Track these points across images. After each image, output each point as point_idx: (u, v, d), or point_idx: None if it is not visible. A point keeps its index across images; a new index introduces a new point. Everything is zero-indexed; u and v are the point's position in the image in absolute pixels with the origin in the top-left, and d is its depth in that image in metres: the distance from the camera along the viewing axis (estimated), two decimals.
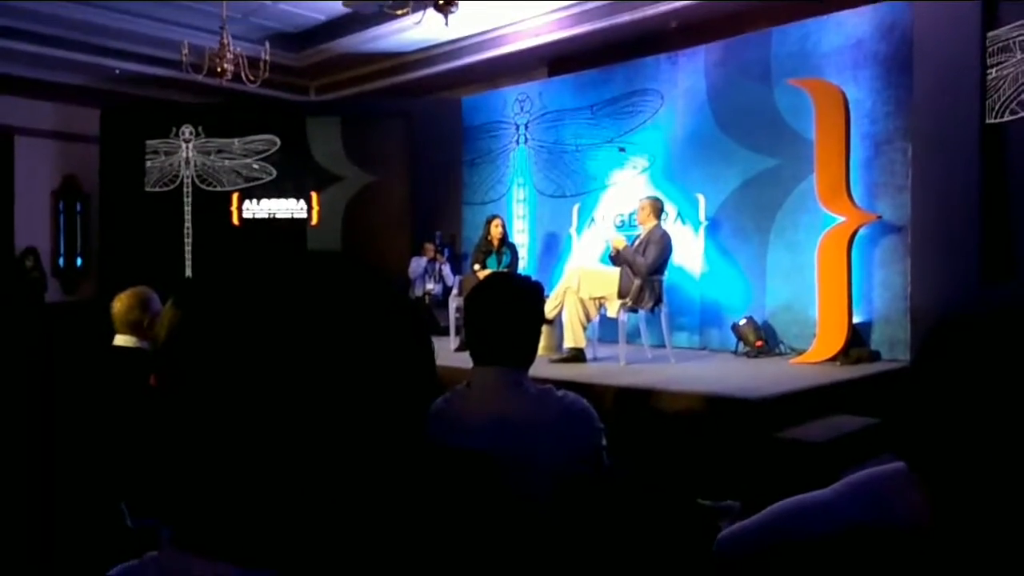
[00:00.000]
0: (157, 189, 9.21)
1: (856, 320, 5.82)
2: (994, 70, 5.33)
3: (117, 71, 8.89)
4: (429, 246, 7.85)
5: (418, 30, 7.55)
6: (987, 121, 5.35)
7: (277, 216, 9.09)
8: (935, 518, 0.97)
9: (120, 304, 2.98)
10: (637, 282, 5.61)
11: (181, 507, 0.59)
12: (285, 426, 0.56)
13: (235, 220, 9.10)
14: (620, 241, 5.86)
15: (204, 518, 0.58)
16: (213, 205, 9.13)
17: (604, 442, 1.84)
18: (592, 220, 7.67)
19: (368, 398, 0.58)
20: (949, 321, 1.03)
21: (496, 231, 6.95)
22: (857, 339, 5.82)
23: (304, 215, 9.07)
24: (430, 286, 7.82)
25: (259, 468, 0.56)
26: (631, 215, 7.00)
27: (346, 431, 0.57)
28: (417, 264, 7.91)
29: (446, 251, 7.95)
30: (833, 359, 5.63)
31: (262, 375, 0.56)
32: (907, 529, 1.00)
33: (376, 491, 0.60)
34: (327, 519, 0.58)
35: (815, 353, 5.74)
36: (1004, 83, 5.28)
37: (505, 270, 6.77)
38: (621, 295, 5.64)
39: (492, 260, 6.91)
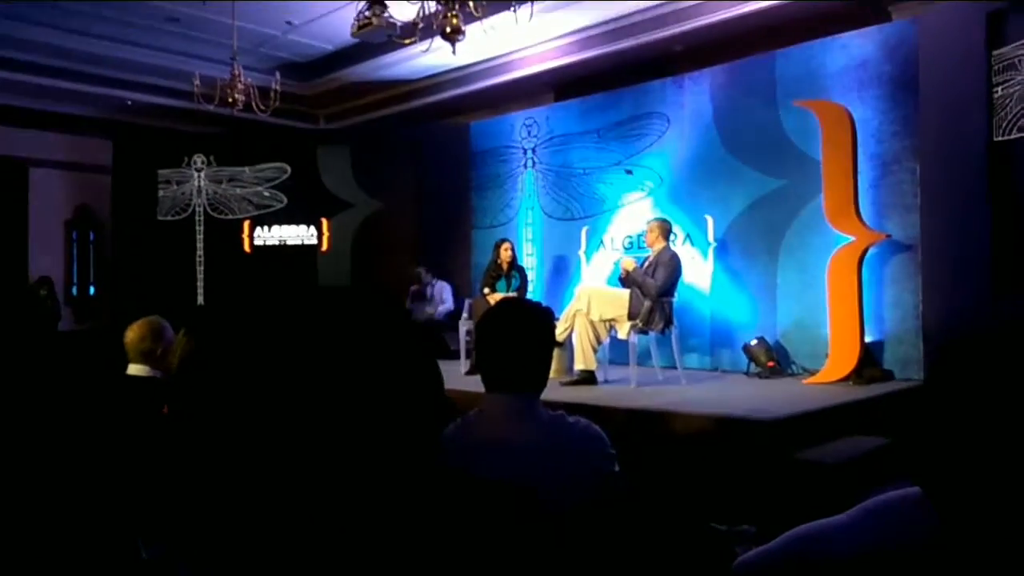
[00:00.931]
0: (169, 218, 9.30)
1: (868, 339, 5.79)
2: (1000, 88, 5.34)
3: (129, 102, 9.01)
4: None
5: (426, 58, 7.64)
6: (995, 139, 5.35)
7: (288, 243, 9.16)
8: (949, 542, 0.97)
9: (132, 334, 3.01)
10: (647, 304, 5.61)
11: (194, 536, 0.60)
12: (295, 453, 0.57)
13: (246, 247, 9.17)
14: (630, 263, 5.87)
15: (216, 546, 0.59)
16: (225, 233, 9.20)
17: (616, 468, 1.83)
18: (601, 243, 7.69)
19: (376, 425, 0.59)
20: (961, 344, 1.03)
21: (505, 255, 6.97)
22: (869, 358, 5.79)
23: (315, 241, 9.13)
24: (429, 310, 7.95)
25: (270, 493, 0.57)
26: (640, 237, 7.02)
27: (356, 458, 0.58)
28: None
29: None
30: (846, 379, 5.60)
31: (271, 404, 0.57)
32: (922, 554, 0.99)
33: (387, 515, 0.61)
34: (339, 544, 0.59)
35: (827, 373, 5.71)
36: (1011, 101, 5.29)
37: (514, 294, 6.79)
38: (631, 317, 5.64)
39: (502, 284, 6.93)
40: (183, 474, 0.62)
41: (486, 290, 6.90)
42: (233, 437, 0.59)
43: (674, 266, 5.80)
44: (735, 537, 1.63)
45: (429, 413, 0.66)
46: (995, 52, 5.37)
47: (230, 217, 9.26)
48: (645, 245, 6.29)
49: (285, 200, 9.22)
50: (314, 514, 0.59)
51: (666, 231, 6.05)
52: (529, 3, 6.08)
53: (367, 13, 5.87)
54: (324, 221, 9.13)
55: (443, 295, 8.04)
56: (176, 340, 3.08)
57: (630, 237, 7.43)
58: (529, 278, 7.44)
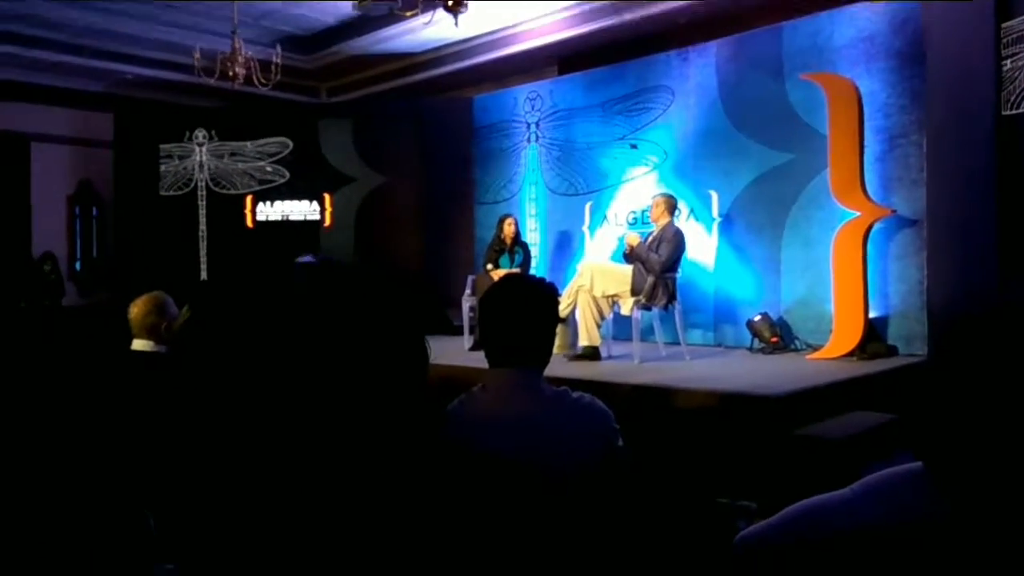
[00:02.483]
0: (172, 193, 9.28)
1: (872, 315, 5.79)
2: (1009, 61, 5.28)
3: (130, 76, 8.96)
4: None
5: (428, 31, 7.57)
6: (1003, 112, 5.30)
7: (291, 218, 9.14)
8: (952, 518, 0.97)
9: (137, 309, 3.02)
10: (651, 279, 5.60)
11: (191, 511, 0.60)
12: (286, 429, 0.56)
13: (249, 222, 9.16)
14: (634, 238, 5.86)
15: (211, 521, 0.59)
16: (227, 208, 9.19)
17: (620, 443, 1.84)
18: (605, 218, 7.66)
19: (362, 401, 0.59)
20: (967, 318, 1.02)
21: (509, 230, 6.95)
22: (873, 334, 5.78)
23: (317, 216, 9.11)
24: None
25: (263, 465, 0.57)
26: (644, 212, 6.99)
27: (346, 432, 0.58)
28: None
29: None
30: (850, 354, 5.60)
31: (261, 377, 0.57)
32: (924, 529, 0.99)
33: (377, 492, 0.61)
34: (334, 517, 0.59)
35: (831, 349, 5.71)
36: (1020, 74, 5.23)
37: (518, 269, 6.78)
38: (635, 292, 5.63)
39: (505, 259, 6.92)
40: (179, 446, 0.62)
41: (489, 266, 6.90)
42: (225, 407, 0.59)
43: (678, 242, 5.78)
44: (737, 512, 1.64)
45: (413, 392, 0.65)
46: (1004, 25, 5.30)
47: (232, 192, 9.24)
48: (649, 220, 6.27)
49: (287, 175, 9.19)
50: (305, 487, 0.59)
51: (671, 206, 6.02)
52: None
53: None
54: (327, 196, 9.10)
55: None
56: (180, 315, 3.09)
57: (634, 212, 7.40)
58: (532, 254, 7.43)
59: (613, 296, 5.74)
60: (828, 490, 1.19)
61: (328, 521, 0.60)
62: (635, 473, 1.82)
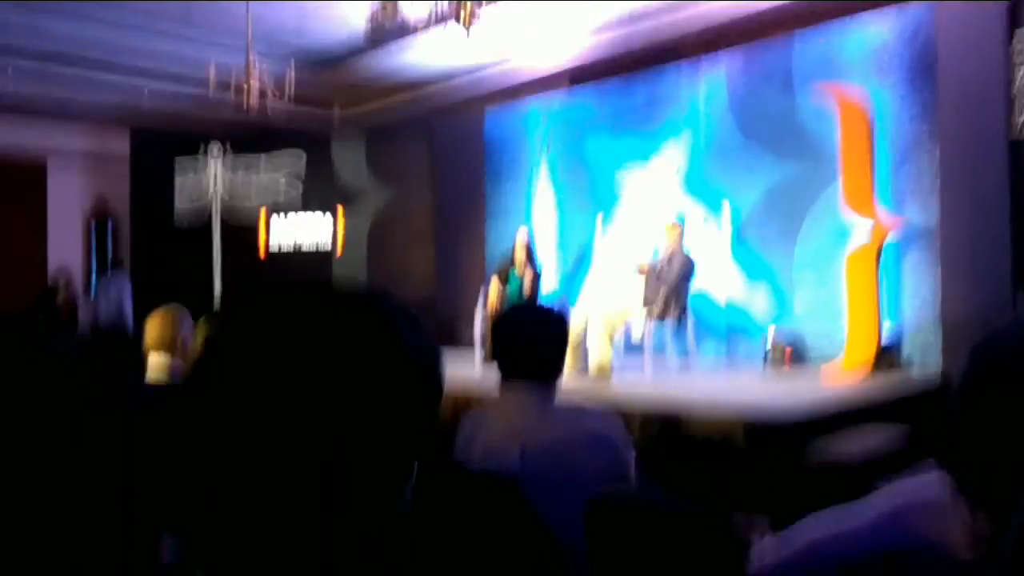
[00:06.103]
0: (187, 206, 9.36)
1: (887, 329, 5.74)
2: (1021, 71, 5.26)
3: (146, 91, 9.05)
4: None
5: (440, 46, 7.61)
6: (1016, 125, 5.27)
7: (303, 246, 9.20)
8: (981, 541, 0.95)
9: (153, 323, 3.03)
10: (663, 292, 5.59)
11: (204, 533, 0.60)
12: (297, 454, 0.56)
13: (262, 236, 9.22)
14: (643, 266, 5.91)
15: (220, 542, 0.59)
16: (241, 220, 9.26)
17: (633, 455, 1.83)
18: (616, 232, 7.64)
19: (369, 427, 0.59)
20: (996, 336, 1.01)
21: (521, 245, 6.88)
22: (888, 348, 5.73)
23: (330, 230, 9.16)
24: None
25: (271, 491, 0.57)
26: (655, 251, 6.86)
27: (355, 459, 0.58)
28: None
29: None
30: (864, 369, 5.55)
31: (272, 403, 0.57)
32: (949, 554, 0.98)
33: (384, 513, 0.61)
34: (340, 540, 0.59)
35: (845, 363, 5.66)
36: None
37: (527, 283, 6.72)
38: (646, 303, 5.62)
39: (513, 273, 6.83)
40: (192, 466, 0.62)
41: (495, 279, 6.82)
42: (235, 432, 0.60)
43: (688, 268, 5.82)
44: (750, 527, 1.63)
45: (424, 423, 0.65)
46: (1017, 30, 5.28)
47: (247, 204, 9.30)
48: (658, 249, 6.30)
49: (301, 188, 9.26)
50: (309, 508, 0.59)
51: (679, 235, 6.08)
52: None
53: (382, 3, 5.86)
54: (339, 207, 9.14)
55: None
56: (196, 329, 3.10)
57: (646, 238, 7.27)
58: (544, 268, 7.38)
59: (624, 312, 5.73)
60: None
61: (336, 547, 0.60)
62: (647, 491, 1.82)
